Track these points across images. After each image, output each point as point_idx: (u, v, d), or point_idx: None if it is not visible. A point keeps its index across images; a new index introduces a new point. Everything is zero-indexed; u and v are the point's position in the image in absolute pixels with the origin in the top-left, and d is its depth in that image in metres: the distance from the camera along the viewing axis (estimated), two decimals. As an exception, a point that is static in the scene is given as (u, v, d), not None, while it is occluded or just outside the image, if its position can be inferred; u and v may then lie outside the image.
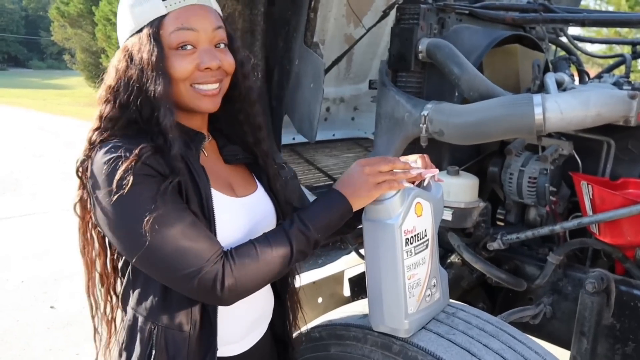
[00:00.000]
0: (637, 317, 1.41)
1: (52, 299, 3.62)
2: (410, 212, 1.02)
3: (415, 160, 1.11)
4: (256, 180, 1.13)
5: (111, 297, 1.08)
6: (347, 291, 2.14)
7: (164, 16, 0.94)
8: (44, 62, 46.35)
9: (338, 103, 3.05)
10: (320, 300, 2.01)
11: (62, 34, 23.42)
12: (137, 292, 0.99)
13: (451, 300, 1.20)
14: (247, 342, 1.09)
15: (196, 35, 0.95)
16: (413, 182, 1.10)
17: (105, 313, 1.08)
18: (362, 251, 1.17)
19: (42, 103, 17.34)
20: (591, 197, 1.43)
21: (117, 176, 0.85)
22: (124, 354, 1.00)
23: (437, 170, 1.12)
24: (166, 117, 0.92)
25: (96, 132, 0.95)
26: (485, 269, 1.55)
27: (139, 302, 0.99)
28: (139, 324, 0.98)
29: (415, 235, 1.04)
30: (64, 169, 7.72)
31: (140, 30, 0.95)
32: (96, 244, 1.03)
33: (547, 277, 1.52)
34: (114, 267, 1.06)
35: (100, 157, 0.90)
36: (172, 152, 0.91)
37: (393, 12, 2.59)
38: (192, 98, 0.97)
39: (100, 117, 0.96)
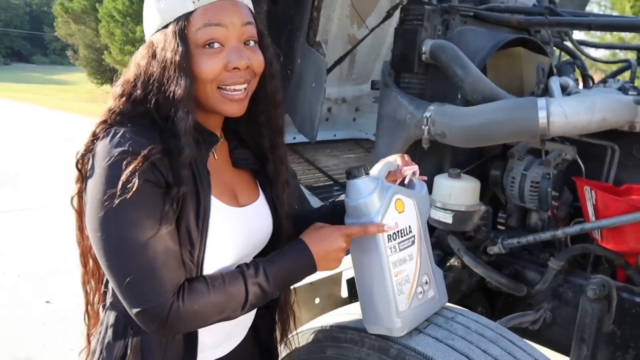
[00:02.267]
0: (638, 325, 1.39)
1: (48, 294, 3.60)
2: (390, 209, 1.02)
3: (394, 160, 1.12)
4: (259, 188, 1.09)
5: (100, 290, 1.06)
6: (344, 292, 2.12)
7: (191, 12, 0.89)
8: (47, 58, 46.46)
9: (340, 103, 3.04)
10: (317, 301, 1.99)
11: (66, 30, 23.47)
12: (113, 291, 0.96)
13: (450, 305, 1.18)
14: (227, 345, 1.07)
15: (224, 32, 0.89)
16: (394, 181, 1.11)
17: (93, 305, 1.06)
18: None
19: (44, 98, 17.36)
20: (594, 202, 1.41)
21: (123, 177, 0.81)
22: (99, 349, 0.98)
23: (416, 167, 1.13)
24: (183, 121, 0.87)
25: (102, 125, 0.90)
26: (486, 273, 1.53)
27: (116, 301, 0.95)
28: (118, 323, 0.96)
29: (398, 232, 1.04)
30: (64, 164, 7.72)
31: (166, 27, 0.90)
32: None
33: (548, 283, 1.50)
34: None
35: (105, 146, 0.85)
36: (181, 157, 0.86)
37: (397, 13, 2.58)
38: (218, 102, 0.93)
39: (110, 111, 0.91)
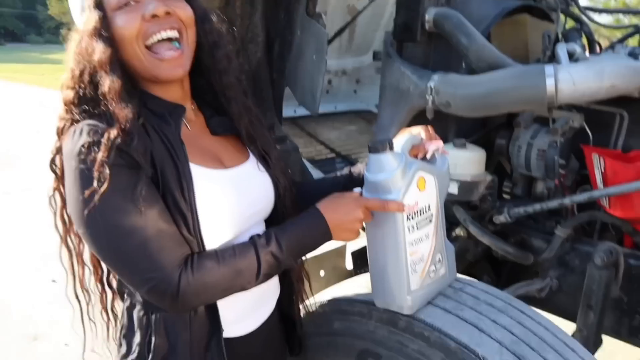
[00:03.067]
0: (644, 291, 1.40)
1: (54, 272, 3.62)
2: (412, 187, 0.98)
3: (418, 133, 1.07)
4: (249, 151, 1.07)
5: (105, 288, 1.05)
6: (349, 265, 2.12)
7: None
8: (41, 37, 45.80)
9: (340, 75, 2.99)
10: (322, 273, 1.99)
11: (59, 8, 23.14)
12: None
13: (459, 275, 1.18)
14: (252, 321, 1.06)
15: None
16: (416, 155, 1.07)
17: (103, 303, 1.06)
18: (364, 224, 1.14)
19: (40, 78, 17.17)
20: (603, 170, 1.39)
21: (95, 173, 0.81)
22: (124, 343, 0.98)
23: (441, 143, 1.08)
24: (105, 84, 0.86)
25: (62, 121, 0.91)
26: (492, 242, 1.52)
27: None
28: (137, 310, 0.96)
29: (417, 211, 1.00)
30: (63, 144, 7.69)
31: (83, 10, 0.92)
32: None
33: (555, 251, 1.50)
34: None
35: (69, 145, 0.85)
36: (122, 126, 0.84)
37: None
38: (151, 65, 0.91)
39: (64, 104, 0.92)
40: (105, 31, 0.88)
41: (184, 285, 0.83)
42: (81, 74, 0.90)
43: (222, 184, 0.95)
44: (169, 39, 0.91)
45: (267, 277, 0.91)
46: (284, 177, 1.09)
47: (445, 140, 1.68)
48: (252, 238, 0.92)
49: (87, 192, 0.81)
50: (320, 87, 1.76)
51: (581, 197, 1.44)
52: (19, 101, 12.03)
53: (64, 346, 2.76)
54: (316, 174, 2.19)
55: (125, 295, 1.00)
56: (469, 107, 1.46)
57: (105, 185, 0.80)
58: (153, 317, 0.93)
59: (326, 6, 2.58)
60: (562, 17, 2.17)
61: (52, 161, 0.94)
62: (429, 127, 1.09)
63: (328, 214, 0.94)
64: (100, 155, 0.81)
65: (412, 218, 1.00)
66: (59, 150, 0.91)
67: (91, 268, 1.03)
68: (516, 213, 1.53)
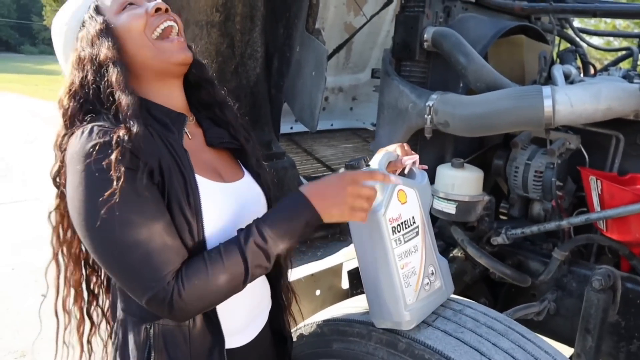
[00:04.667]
0: (642, 315, 1.39)
1: (43, 287, 3.56)
2: (393, 200, 1.00)
3: (394, 149, 1.11)
4: (242, 167, 1.08)
5: (84, 316, 1.06)
6: (345, 284, 2.10)
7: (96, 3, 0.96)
8: (36, 47, 45.79)
9: (337, 93, 3.01)
10: (318, 292, 1.97)
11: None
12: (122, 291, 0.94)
13: (458, 297, 1.17)
14: (250, 331, 1.05)
15: None
16: (395, 171, 1.09)
17: (79, 332, 1.06)
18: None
19: (34, 89, 17.12)
20: (599, 192, 1.39)
21: (106, 174, 0.80)
22: (119, 358, 0.96)
23: (416, 157, 1.11)
24: (113, 75, 0.88)
25: (63, 138, 0.91)
26: (490, 264, 1.52)
27: (128, 301, 0.93)
28: (132, 325, 0.94)
29: (402, 223, 1.02)
30: (55, 156, 7.63)
31: (82, 26, 0.95)
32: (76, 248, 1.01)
33: (552, 273, 1.49)
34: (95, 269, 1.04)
35: (76, 146, 0.84)
36: (130, 124, 0.85)
37: (395, 0, 2.55)
38: (163, 53, 0.95)
39: (63, 120, 0.92)
40: (109, 32, 0.92)
41: (176, 295, 0.82)
42: (82, 84, 0.92)
43: (225, 197, 0.96)
44: (171, 28, 0.97)
45: (258, 269, 0.87)
46: (273, 189, 1.12)
47: (443, 160, 1.69)
48: (237, 233, 0.89)
49: (104, 195, 0.80)
50: (319, 103, 1.77)
51: (578, 219, 1.44)
52: (12, 111, 11.96)
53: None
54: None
55: (118, 311, 0.97)
56: (468, 127, 1.46)
57: (117, 190, 0.80)
58: (152, 330, 0.91)
59: (323, 24, 2.60)
60: (557, 38, 2.20)
61: (55, 177, 0.94)
62: (404, 144, 1.12)
63: (311, 192, 0.89)
64: (114, 157, 0.81)
65: (398, 231, 1.01)
66: (62, 164, 0.90)
67: (73, 292, 1.03)
68: (514, 234, 1.53)
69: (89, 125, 0.86)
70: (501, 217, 1.74)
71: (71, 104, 0.91)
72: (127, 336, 0.94)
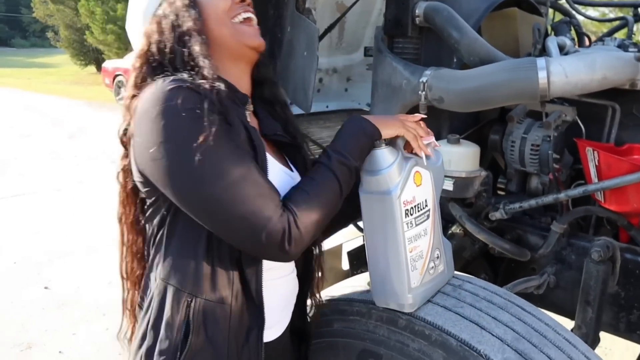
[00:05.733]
0: (642, 285, 1.39)
1: (45, 279, 3.58)
2: (409, 182, 0.98)
3: (412, 125, 1.06)
4: (289, 162, 1.08)
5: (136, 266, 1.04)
6: (345, 265, 2.11)
7: None
8: (27, 41, 45.29)
9: (331, 74, 2.97)
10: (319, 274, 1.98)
11: (44, 11, 22.89)
12: (169, 259, 0.91)
13: (456, 272, 1.17)
14: (279, 327, 1.04)
15: None
16: (411, 150, 1.06)
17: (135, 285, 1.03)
18: (360, 224, 1.13)
19: (27, 82, 17.00)
20: (597, 163, 1.39)
21: (206, 105, 0.83)
22: (150, 334, 0.92)
23: (433, 137, 1.08)
24: (196, 45, 0.91)
25: (133, 98, 0.92)
26: (489, 239, 1.51)
27: (172, 270, 0.91)
28: (171, 296, 0.90)
29: (415, 206, 1.00)
30: (52, 149, 7.60)
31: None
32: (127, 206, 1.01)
33: (551, 247, 1.49)
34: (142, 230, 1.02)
35: (156, 92, 0.85)
36: (214, 89, 0.87)
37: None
38: (240, 35, 0.98)
39: (135, 84, 0.94)
40: (195, 5, 0.96)
41: (292, 225, 0.84)
42: (159, 48, 0.93)
43: (284, 180, 0.97)
44: (251, 19, 1.02)
45: (347, 185, 0.93)
46: None
47: (438, 137, 1.68)
48: (316, 162, 0.94)
49: (201, 137, 0.80)
50: (313, 84, 1.75)
51: (576, 191, 1.43)
52: (6, 106, 11.89)
53: (59, 354, 2.71)
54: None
55: (156, 280, 0.93)
56: (462, 102, 1.45)
57: (211, 134, 0.81)
58: (193, 304, 0.89)
59: (314, 3, 2.56)
60: (550, 10, 2.17)
61: (122, 136, 0.96)
62: (421, 122, 1.09)
63: (365, 116, 0.99)
64: (206, 104, 0.83)
65: (411, 214, 0.99)
66: (129, 125, 0.92)
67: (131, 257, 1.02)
68: (512, 209, 1.52)
69: (167, 78, 0.87)
70: (499, 192, 1.73)
71: (145, 65, 0.94)
72: (163, 308, 0.91)
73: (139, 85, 0.92)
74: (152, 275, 0.95)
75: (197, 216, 0.86)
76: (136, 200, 0.99)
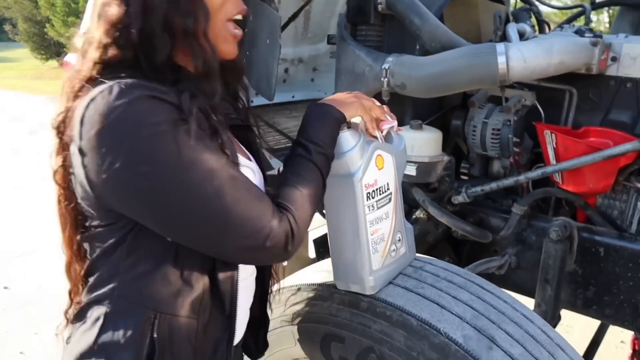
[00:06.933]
0: (597, 263, 1.43)
1: (5, 279, 3.47)
2: (371, 165, 0.98)
3: (373, 109, 1.05)
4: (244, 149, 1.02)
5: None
6: (312, 253, 2.10)
7: None
8: (-19, 34, 43.65)
9: (297, 64, 2.96)
10: (284, 263, 1.97)
11: (1, 3, 22.07)
12: (128, 275, 0.82)
13: (418, 254, 1.18)
14: (242, 328, 1.01)
15: None
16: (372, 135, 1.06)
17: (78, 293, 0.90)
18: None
19: (-15, 77, 16.39)
20: (554, 145, 1.42)
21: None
22: (99, 354, 0.81)
23: (396, 122, 1.08)
24: (209, 54, 0.83)
25: (87, 83, 0.79)
26: (451, 222, 1.53)
27: (131, 286, 0.82)
28: (126, 310, 0.81)
29: (377, 189, 1.00)
30: (12, 145, 7.36)
31: None
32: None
33: (512, 228, 1.52)
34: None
35: (119, 107, 0.72)
36: (213, 101, 0.83)
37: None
38: (223, 40, 0.89)
39: (94, 64, 0.80)
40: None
41: (292, 222, 0.82)
42: (142, 30, 0.79)
43: (253, 172, 0.94)
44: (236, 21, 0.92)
45: (327, 175, 0.93)
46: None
47: (402, 123, 1.69)
48: (292, 155, 0.92)
49: (185, 153, 0.73)
50: (275, 72, 1.73)
51: (535, 173, 1.46)
52: (-38, 102, 11.45)
53: (19, 354, 2.64)
54: (275, 163, 2.16)
55: (105, 290, 0.83)
56: (424, 88, 1.46)
57: (192, 145, 0.75)
58: (156, 322, 0.81)
59: (279, -8, 2.53)
60: (511, -1, 2.21)
61: (62, 122, 0.82)
62: (384, 107, 1.08)
63: (325, 101, 0.97)
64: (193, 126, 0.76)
65: (372, 197, 0.99)
66: (68, 112, 0.80)
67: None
68: (474, 192, 1.55)
69: (129, 81, 0.75)
70: (462, 177, 1.76)
71: (111, 46, 0.80)
72: (115, 324, 0.81)
73: (98, 70, 0.80)
74: (101, 289, 0.84)
75: (188, 239, 0.79)
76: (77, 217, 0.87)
